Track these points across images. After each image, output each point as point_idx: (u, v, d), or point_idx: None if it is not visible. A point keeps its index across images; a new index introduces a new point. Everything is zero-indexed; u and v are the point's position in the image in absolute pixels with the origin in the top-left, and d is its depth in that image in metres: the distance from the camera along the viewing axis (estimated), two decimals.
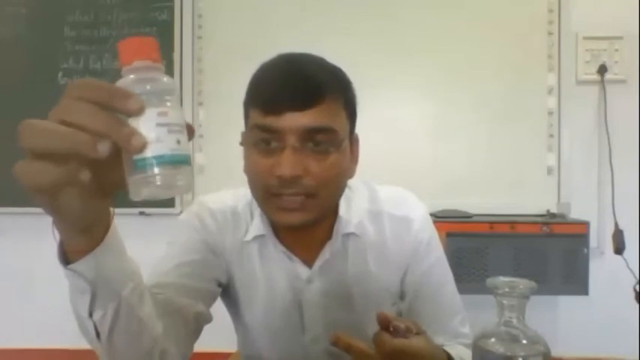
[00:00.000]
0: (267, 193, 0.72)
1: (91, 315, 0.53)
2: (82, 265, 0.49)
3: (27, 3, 2.06)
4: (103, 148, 0.38)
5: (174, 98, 0.43)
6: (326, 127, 0.70)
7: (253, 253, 0.83)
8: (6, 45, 2.06)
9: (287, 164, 0.67)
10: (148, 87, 0.42)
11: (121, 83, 0.42)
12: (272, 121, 0.69)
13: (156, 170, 0.40)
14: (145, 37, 0.44)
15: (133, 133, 0.39)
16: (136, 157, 0.40)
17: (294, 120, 0.68)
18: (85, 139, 0.38)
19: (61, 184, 0.40)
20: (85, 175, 0.40)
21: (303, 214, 0.71)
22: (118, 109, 0.39)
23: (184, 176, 0.42)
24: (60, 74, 2.04)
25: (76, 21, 2.04)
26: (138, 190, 0.41)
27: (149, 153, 0.40)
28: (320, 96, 0.69)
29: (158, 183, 0.41)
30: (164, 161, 0.40)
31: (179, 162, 0.41)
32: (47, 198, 0.42)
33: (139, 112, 0.40)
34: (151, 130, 0.40)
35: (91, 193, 0.44)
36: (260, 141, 0.71)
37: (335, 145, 0.71)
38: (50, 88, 2.01)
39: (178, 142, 0.41)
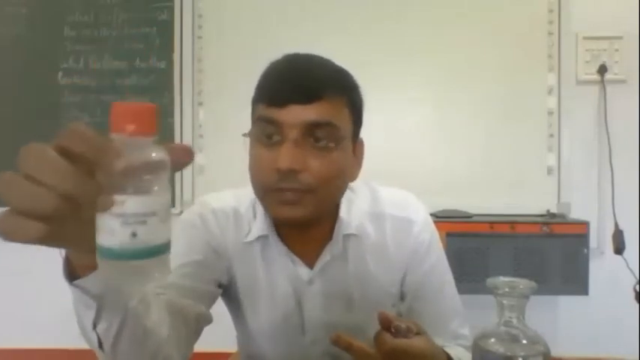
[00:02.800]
0: (267, 189, 0.72)
1: (94, 327, 0.53)
2: (88, 281, 0.48)
3: (27, 3, 2.05)
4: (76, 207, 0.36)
5: (158, 176, 0.38)
6: (327, 121, 0.70)
7: (255, 254, 0.83)
8: (6, 45, 2.06)
9: (286, 157, 0.68)
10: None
11: None
12: (274, 112, 0.70)
13: (107, 262, 0.38)
14: (140, 105, 0.38)
15: (107, 201, 0.36)
16: (97, 241, 0.37)
17: (296, 113, 0.69)
18: (56, 205, 0.35)
19: (46, 237, 0.37)
20: (72, 228, 0.37)
21: (302, 209, 0.71)
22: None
23: (147, 269, 0.38)
24: (60, 74, 2.03)
25: (76, 21, 2.04)
26: (102, 270, 0.39)
27: (102, 241, 0.37)
28: (322, 91, 0.70)
29: (108, 274, 0.39)
30: (113, 255, 0.37)
31: (131, 257, 0.37)
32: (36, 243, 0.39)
33: (105, 207, 0.36)
34: (106, 220, 0.37)
35: (82, 226, 0.39)
36: (262, 134, 0.72)
37: (336, 140, 0.71)
38: (50, 88, 2.01)
39: (134, 234, 0.37)
